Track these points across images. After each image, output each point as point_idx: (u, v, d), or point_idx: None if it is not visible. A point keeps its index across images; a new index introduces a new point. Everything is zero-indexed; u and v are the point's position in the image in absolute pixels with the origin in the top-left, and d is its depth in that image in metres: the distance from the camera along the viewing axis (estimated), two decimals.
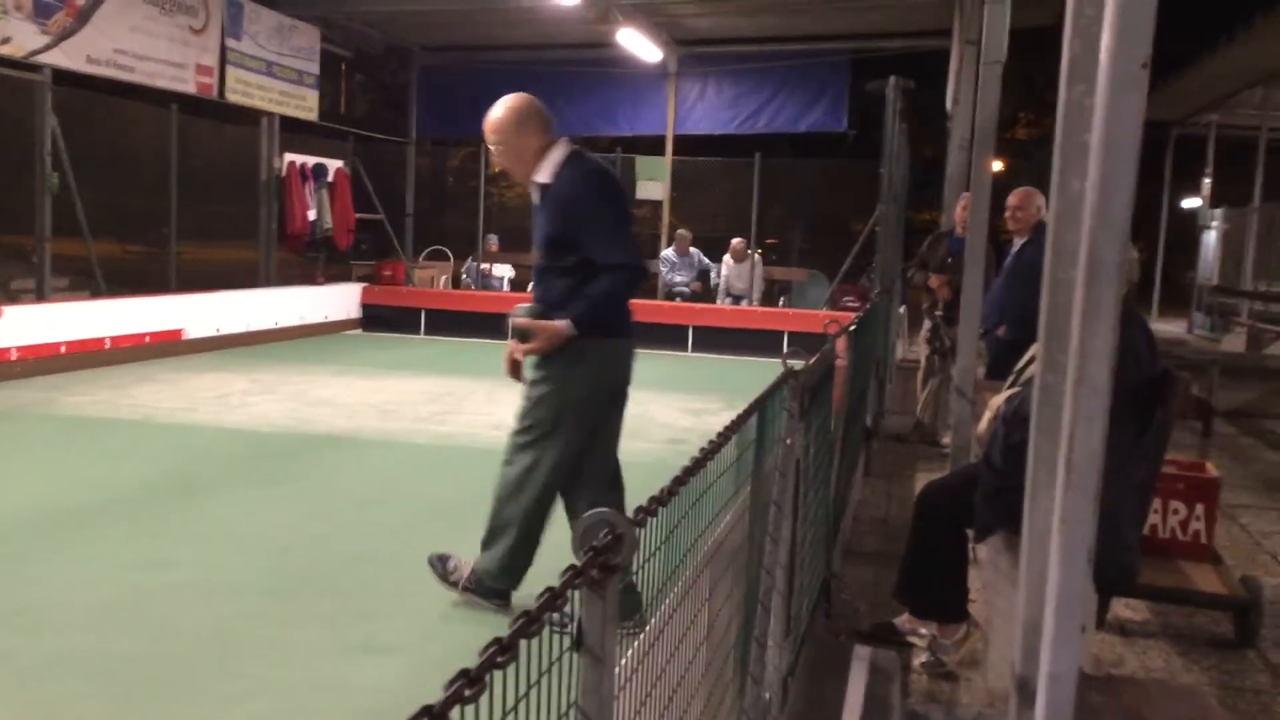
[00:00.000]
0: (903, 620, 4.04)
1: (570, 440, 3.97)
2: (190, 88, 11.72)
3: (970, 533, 3.60)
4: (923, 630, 3.94)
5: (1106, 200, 1.30)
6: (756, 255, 14.56)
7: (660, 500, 1.31)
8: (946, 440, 6.70)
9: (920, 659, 3.83)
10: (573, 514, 4.02)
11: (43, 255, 10.05)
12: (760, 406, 2.20)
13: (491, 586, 3.99)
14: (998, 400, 3.48)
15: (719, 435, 1.74)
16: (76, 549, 4.65)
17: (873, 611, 4.32)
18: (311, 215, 14.00)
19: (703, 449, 1.64)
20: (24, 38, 9.48)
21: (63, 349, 9.50)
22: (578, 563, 1.01)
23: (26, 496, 5.46)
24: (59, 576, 4.29)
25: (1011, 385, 3.61)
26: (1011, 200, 5.98)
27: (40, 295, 10.07)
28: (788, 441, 2.40)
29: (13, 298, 9.95)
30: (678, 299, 14.16)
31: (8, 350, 8.91)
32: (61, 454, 6.58)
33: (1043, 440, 1.67)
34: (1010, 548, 3.06)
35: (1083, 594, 1.65)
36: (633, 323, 4.21)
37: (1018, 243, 6.19)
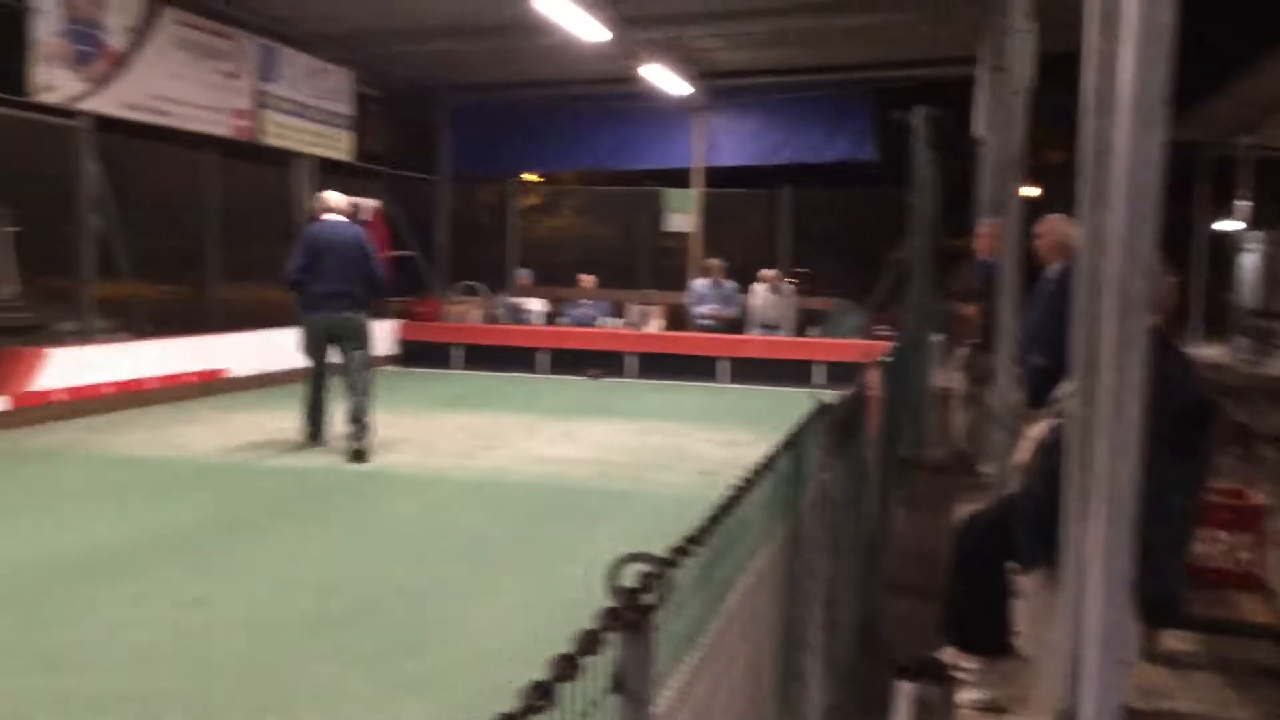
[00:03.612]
0: (947, 654, 3.99)
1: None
2: (227, 131, 11.93)
3: (1013, 565, 3.56)
4: (967, 665, 3.89)
5: (1133, 235, 1.30)
6: (788, 285, 14.54)
7: (695, 539, 1.32)
8: (986, 469, 6.65)
9: (966, 694, 3.77)
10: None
11: (86, 297, 10.22)
12: (793, 441, 2.20)
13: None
14: (1036, 430, 3.45)
15: (753, 471, 1.75)
16: (121, 589, 4.70)
17: (916, 646, 4.27)
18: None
19: (737, 485, 1.65)
20: (64, 85, 9.71)
21: (108, 389, 9.65)
22: (614, 604, 1.02)
23: (73, 537, 5.54)
24: (105, 617, 4.34)
25: (1049, 414, 3.58)
26: (1039, 228, 5.96)
27: (85, 337, 10.22)
28: (822, 476, 2.40)
29: (58, 340, 10.11)
30: (707, 330, 14.16)
31: (53, 391, 9.06)
32: (106, 494, 6.66)
33: (1078, 473, 1.66)
34: (1054, 580, 3.02)
35: (1123, 627, 1.64)
36: (319, 300, 7.82)
37: (1050, 269, 6.14)
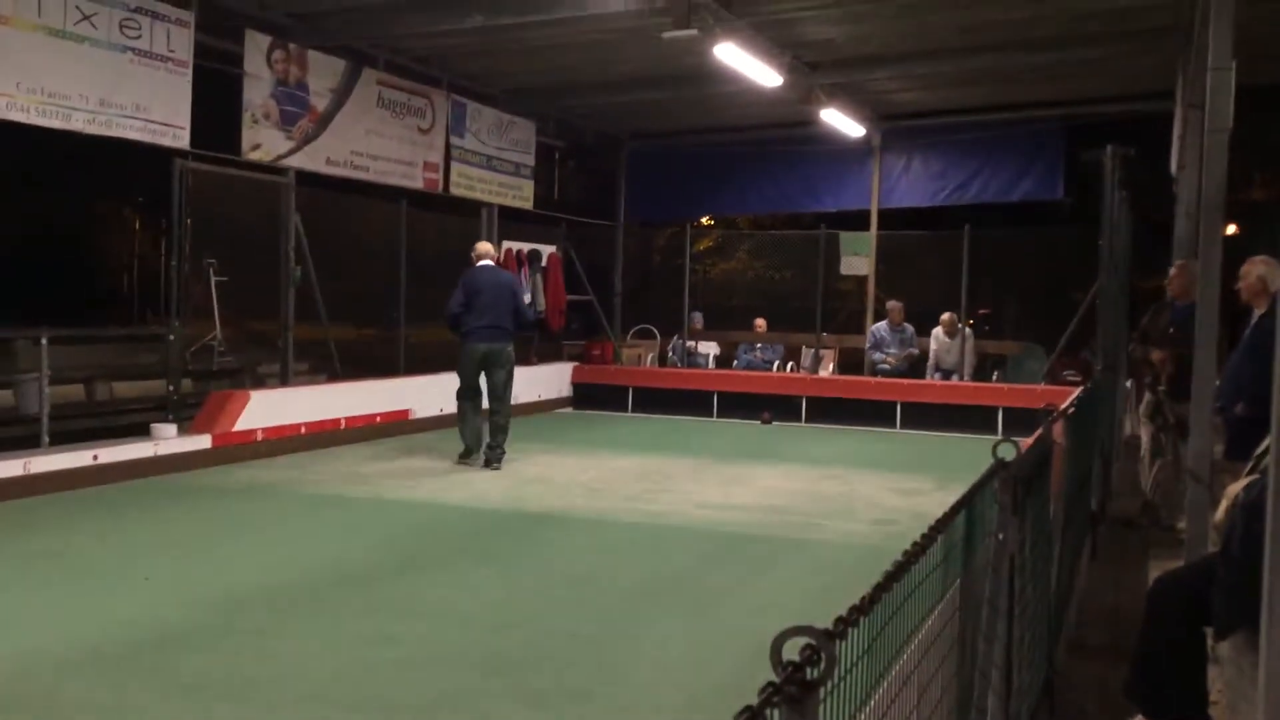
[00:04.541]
0: None
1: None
2: (418, 184, 12.52)
3: (1209, 629, 3.37)
4: None
5: None
6: (967, 329, 14.14)
7: (861, 609, 1.31)
8: (1180, 525, 6.28)
9: None
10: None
11: (286, 342, 10.85)
12: (968, 501, 2.15)
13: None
14: (1236, 487, 3.27)
15: (923, 537, 1.72)
16: (309, 623, 4.95)
17: (1102, 712, 4.07)
18: (526, 299, 14.57)
19: (905, 552, 1.62)
20: (272, 143, 10.42)
21: (303, 429, 10.22)
22: (776, 679, 1.03)
23: (266, 571, 5.87)
24: (293, 650, 4.57)
25: (1251, 470, 3.38)
26: (1243, 270, 5.64)
27: (284, 379, 10.86)
28: (1000, 536, 2.33)
29: (259, 382, 10.77)
30: (884, 374, 13.90)
31: (254, 431, 9.66)
32: (299, 530, 7.05)
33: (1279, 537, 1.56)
34: (1254, 648, 2.84)
35: None
36: (477, 332, 9.31)
37: (1256, 313, 5.80)
